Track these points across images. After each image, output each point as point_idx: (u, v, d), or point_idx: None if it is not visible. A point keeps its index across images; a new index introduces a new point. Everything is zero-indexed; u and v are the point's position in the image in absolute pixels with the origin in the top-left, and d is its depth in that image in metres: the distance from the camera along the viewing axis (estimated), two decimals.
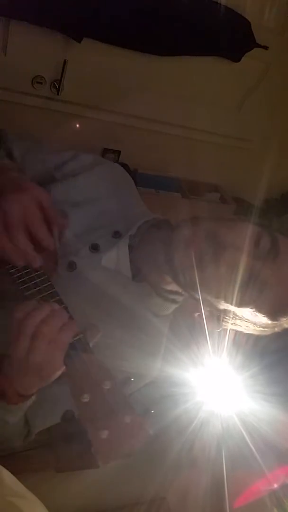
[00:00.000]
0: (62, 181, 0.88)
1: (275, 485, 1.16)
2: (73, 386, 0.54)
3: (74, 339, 0.58)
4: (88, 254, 0.80)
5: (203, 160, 1.68)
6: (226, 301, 0.71)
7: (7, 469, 0.66)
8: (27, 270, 0.68)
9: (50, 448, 1.12)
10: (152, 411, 0.55)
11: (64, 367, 0.58)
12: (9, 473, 0.66)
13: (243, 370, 0.76)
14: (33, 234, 0.69)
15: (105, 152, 1.69)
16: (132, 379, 0.56)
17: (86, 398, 0.52)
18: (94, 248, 0.81)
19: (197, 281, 0.71)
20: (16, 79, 1.38)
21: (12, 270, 0.68)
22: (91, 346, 0.59)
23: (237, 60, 1.51)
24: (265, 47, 1.48)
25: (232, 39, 1.45)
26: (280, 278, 0.70)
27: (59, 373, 0.59)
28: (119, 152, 1.72)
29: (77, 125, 1.53)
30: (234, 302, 0.70)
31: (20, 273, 0.68)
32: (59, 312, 0.59)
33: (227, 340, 0.74)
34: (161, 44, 1.40)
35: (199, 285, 0.71)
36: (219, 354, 0.73)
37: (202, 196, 1.91)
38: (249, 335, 0.79)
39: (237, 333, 0.78)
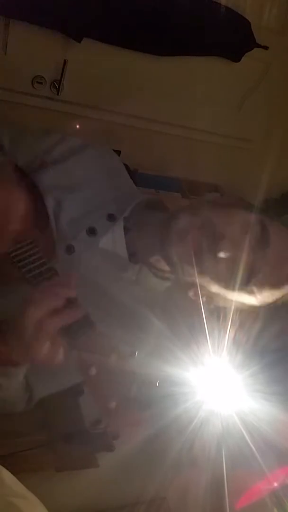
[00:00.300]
0: (52, 166, 0.89)
1: (276, 485, 1.16)
2: (80, 361, 0.56)
3: (79, 317, 0.60)
4: (86, 238, 0.83)
5: (203, 160, 1.68)
6: (220, 287, 0.77)
7: (7, 469, 0.66)
8: (29, 255, 0.69)
9: (50, 448, 1.12)
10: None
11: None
12: (9, 473, 0.66)
13: (243, 369, 0.76)
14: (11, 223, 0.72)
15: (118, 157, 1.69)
16: (136, 353, 0.58)
17: (93, 371, 0.55)
18: (91, 231, 0.83)
19: (195, 272, 0.75)
20: (16, 79, 1.38)
21: (14, 254, 0.70)
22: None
23: (237, 60, 1.51)
24: (265, 47, 1.48)
25: (232, 39, 1.45)
26: (270, 265, 0.74)
27: (43, 355, 0.59)
28: (119, 152, 1.71)
29: (77, 125, 1.53)
30: (227, 287, 0.76)
31: (23, 259, 0.69)
32: (63, 290, 0.60)
33: (227, 339, 0.75)
34: (161, 44, 1.40)
35: (194, 273, 0.76)
36: (219, 353, 0.73)
37: (202, 196, 1.90)
38: (249, 334, 0.80)
39: (237, 331, 0.79)
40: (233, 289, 0.77)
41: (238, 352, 0.79)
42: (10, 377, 0.70)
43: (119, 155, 1.74)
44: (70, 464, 1.15)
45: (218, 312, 0.85)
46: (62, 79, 1.39)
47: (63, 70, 1.38)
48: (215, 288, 0.79)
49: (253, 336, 0.84)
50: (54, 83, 1.41)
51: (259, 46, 1.47)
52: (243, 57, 1.50)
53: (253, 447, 0.87)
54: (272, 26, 1.49)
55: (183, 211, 0.80)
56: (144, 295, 0.85)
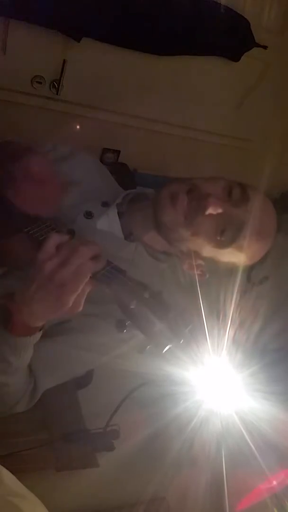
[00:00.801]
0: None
1: (276, 485, 1.16)
2: (120, 300, 0.65)
3: (109, 266, 0.69)
4: (84, 221, 0.91)
5: (203, 160, 1.68)
6: (210, 246, 0.84)
7: (7, 469, 0.66)
8: (47, 231, 0.75)
9: (50, 448, 1.13)
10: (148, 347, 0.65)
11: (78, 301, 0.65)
12: (9, 473, 0.66)
13: (243, 368, 0.76)
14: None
15: (104, 152, 1.69)
16: (162, 291, 0.67)
17: (133, 305, 0.63)
18: (88, 215, 0.92)
19: (185, 235, 0.83)
20: (15, 79, 1.38)
21: (32, 231, 0.75)
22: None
23: (237, 60, 1.51)
24: (265, 47, 1.48)
25: (231, 39, 1.45)
26: (254, 219, 0.82)
27: (69, 306, 0.64)
28: (118, 152, 1.72)
29: (77, 125, 1.53)
30: (219, 245, 0.84)
31: (42, 235, 0.74)
32: (90, 245, 0.66)
33: (227, 338, 0.75)
34: (161, 44, 1.40)
35: (190, 235, 0.83)
36: (219, 352, 0.73)
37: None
38: (249, 334, 0.80)
39: (237, 331, 0.79)
40: (224, 246, 0.84)
41: (238, 351, 0.79)
42: (20, 350, 0.72)
43: (119, 155, 1.75)
44: (70, 464, 1.15)
45: (218, 311, 0.85)
46: (62, 79, 1.40)
47: (62, 70, 1.38)
48: (207, 250, 0.86)
49: (253, 335, 0.85)
50: (53, 83, 1.41)
51: (258, 45, 1.47)
52: (242, 57, 1.50)
53: (253, 447, 0.87)
54: (271, 26, 1.49)
55: (170, 181, 0.88)
56: (139, 276, 0.88)
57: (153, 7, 1.29)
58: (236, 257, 0.86)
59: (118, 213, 0.92)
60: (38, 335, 0.72)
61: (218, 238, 0.83)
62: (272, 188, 2.01)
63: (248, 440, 0.84)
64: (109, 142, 1.67)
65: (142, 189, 1.01)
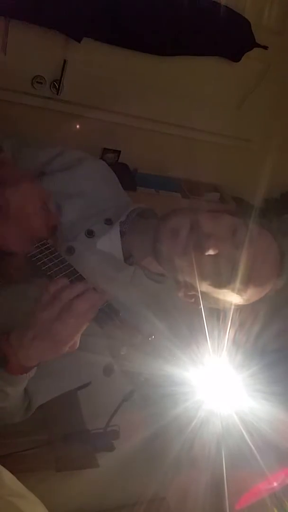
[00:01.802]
0: (52, 175, 0.95)
1: (276, 485, 1.16)
2: (111, 344, 0.64)
3: (104, 304, 0.67)
4: (85, 239, 0.88)
5: (203, 160, 1.69)
6: (206, 283, 0.81)
7: (7, 469, 0.66)
8: (43, 251, 0.75)
9: (50, 448, 1.12)
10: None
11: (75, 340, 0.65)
12: (9, 473, 0.66)
13: (243, 369, 0.77)
14: (31, 223, 0.75)
15: (105, 152, 1.69)
16: (153, 335, 0.65)
17: (124, 351, 0.62)
18: (90, 233, 0.89)
19: (181, 268, 0.81)
20: (16, 79, 1.38)
21: (29, 254, 0.74)
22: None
23: (237, 60, 1.51)
24: (265, 47, 1.48)
25: (232, 39, 1.46)
26: (254, 263, 0.79)
27: (71, 349, 0.65)
28: (119, 152, 1.72)
29: (77, 125, 1.53)
30: (214, 284, 0.81)
31: (43, 260, 0.74)
32: (91, 291, 0.66)
33: (227, 339, 0.75)
34: (161, 44, 1.40)
35: (184, 271, 0.81)
36: (219, 353, 0.73)
37: (202, 196, 1.91)
38: (249, 334, 0.80)
39: (237, 332, 0.79)
40: (220, 287, 0.81)
41: (238, 352, 0.79)
42: (17, 385, 0.73)
43: (119, 155, 1.75)
44: (70, 464, 1.15)
45: (218, 312, 0.85)
46: (62, 79, 1.40)
47: (63, 70, 1.38)
48: (203, 287, 0.83)
49: (253, 336, 0.85)
50: (54, 83, 1.42)
51: (259, 46, 1.47)
52: (243, 57, 1.50)
53: (253, 447, 0.87)
54: (272, 26, 1.49)
55: (173, 212, 0.85)
56: (139, 296, 0.88)
57: (153, 7, 1.29)
58: (231, 297, 0.84)
59: (120, 232, 0.89)
60: (34, 369, 0.72)
61: (215, 278, 0.81)
62: (272, 188, 2.02)
63: (248, 440, 0.84)
64: (109, 142, 1.68)
65: (140, 205, 0.98)
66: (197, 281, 0.82)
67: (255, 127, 1.77)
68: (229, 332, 0.77)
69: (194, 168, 1.78)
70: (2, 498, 0.62)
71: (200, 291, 0.84)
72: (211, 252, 0.78)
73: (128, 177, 1.75)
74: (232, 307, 0.85)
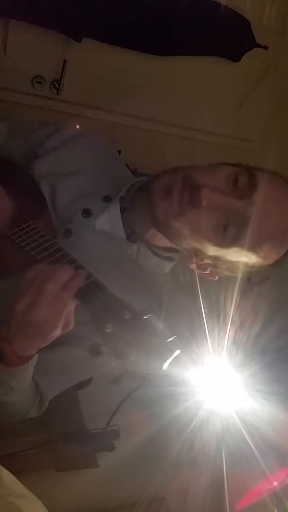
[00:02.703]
0: (47, 154, 0.90)
1: (276, 485, 1.16)
2: (95, 321, 0.58)
3: (87, 281, 0.62)
4: (82, 220, 0.82)
5: (203, 160, 1.68)
6: (212, 243, 0.73)
7: (7, 469, 0.66)
8: (32, 236, 0.71)
9: (50, 448, 1.13)
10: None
11: (66, 321, 0.61)
12: (9, 473, 0.66)
13: (243, 368, 0.76)
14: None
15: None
16: (148, 315, 0.58)
17: (109, 328, 0.56)
18: (86, 213, 0.83)
19: (182, 232, 0.73)
20: (16, 79, 1.38)
21: (17, 239, 0.71)
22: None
23: (237, 60, 1.51)
24: (265, 47, 1.48)
25: (232, 39, 1.45)
26: (263, 213, 0.70)
27: (58, 331, 0.61)
28: (119, 152, 1.72)
29: (77, 125, 1.53)
30: (221, 243, 0.72)
31: (27, 240, 0.71)
32: (63, 270, 0.61)
33: (227, 338, 0.75)
34: (161, 44, 1.40)
35: (185, 235, 0.74)
36: (219, 353, 0.73)
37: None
38: (249, 334, 0.79)
39: (237, 331, 0.79)
40: (227, 245, 0.73)
41: (239, 351, 0.79)
42: (20, 376, 0.70)
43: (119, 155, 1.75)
44: (70, 464, 1.15)
45: (218, 312, 0.85)
46: (62, 79, 1.39)
47: (63, 70, 1.38)
48: (211, 250, 0.75)
49: (253, 335, 0.84)
50: (54, 83, 1.41)
51: (259, 46, 1.47)
52: (243, 57, 1.50)
53: (253, 447, 0.87)
54: (272, 26, 1.49)
55: (165, 171, 0.79)
56: (144, 276, 0.84)
57: (153, 7, 1.29)
58: (246, 257, 0.75)
59: (120, 208, 0.83)
60: (35, 358, 0.69)
61: (220, 235, 0.72)
62: None
63: (248, 440, 0.84)
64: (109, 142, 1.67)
65: (140, 178, 0.92)
66: (202, 243, 0.74)
67: (255, 127, 1.77)
68: (229, 332, 0.77)
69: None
70: (2, 498, 0.62)
71: (211, 257, 0.76)
72: (206, 203, 0.70)
73: None
74: (254, 270, 0.77)
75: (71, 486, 1.13)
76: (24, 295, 0.60)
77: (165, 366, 0.55)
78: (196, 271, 0.80)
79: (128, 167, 1.75)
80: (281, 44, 1.53)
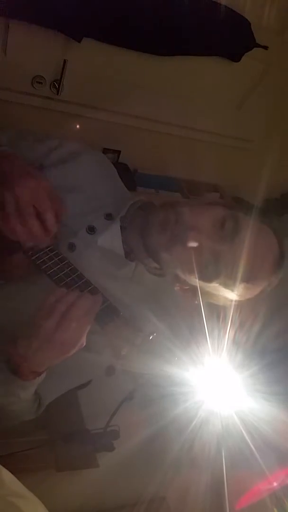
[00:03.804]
0: (51, 168, 0.94)
1: (275, 485, 1.16)
2: (111, 344, 0.65)
3: (104, 305, 0.69)
4: (86, 236, 0.88)
5: (203, 160, 1.68)
6: (193, 277, 0.81)
7: (7, 469, 0.66)
8: (45, 253, 0.75)
9: (50, 448, 1.12)
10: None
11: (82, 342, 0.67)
12: (9, 473, 0.66)
13: (243, 369, 0.77)
14: (41, 217, 0.74)
15: (105, 152, 1.69)
16: (154, 333, 0.66)
17: (125, 351, 0.63)
18: (91, 230, 0.89)
19: (168, 262, 0.81)
20: (16, 79, 1.38)
21: (30, 253, 0.75)
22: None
23: (237, 60, 1.51)
24: (265, 47, 1.48)
25: (232, 39, 1.45)
26: (242, 257, 0.77)
27: (78, 349, 0.67)
28: (119, 152, 1.72)
29: (77, 125, 1.53)
30: (201, 278, 0.80)
31: (41, 257, 0.75)
32: (87, 296, 0.68)
33: (227, 338, 0.75)
34: (161, 44, 1.40)
35: (171, 265, 0.82)
36: (219, 353, 0.73)
37: (202, 196, 1.90)
38: (249, 334, 0.80)
39: (237, 331, 0.79)
40: (207, 280, 0.80)
41: (238, 351, 0.79)
42: (29, 388, 0.75)
43: (119, 155, 1.75)
44: (70, 464, 1.15)
45: (217, 312, 0.85)
46: (62, 79, 1.39)
47: (63, 70, 1.38)
48: (192, 281, 0.83)
49: (253, 336, 0.85)
50: (54, 83, 1.41)
51: (259, 46, 1.47)
52: (243, 57, 1.50)
53: (253, 447, 0.87)
54: (272, 26, 1.48)
55: (162, 206, 0.85)
56: (140, 292, 0.88)
57: (153, 7, 1.29)
58: (223, 292, 0.83)
59: (121, 227, 0.89)
60: (45, 372, 0.75)
61: (201, 271, 0.80)
62: (272, 188, 2.02)
63: (248, 440, 0.84)
64: (109, 142, 1.68)
65: (140, 197, 0.98)
66: (186, 275, 0.82)
67: (255, 127, 1.77)
68: (229, 332, 0.77)
69: (194, 168, 1.78)
70: (2, 498, 0.62)
71: (194, 286, 0.84)
72: (192, 244, 0.77)
73: (128, 177, 1.75)
74: (232, 303, 0.85)
75: (71, 486, 1.13)
76: (50, 318, 0.66)
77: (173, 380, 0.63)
78: (180, 294, 0.88)
79: (128, 167, 1.76)
80: (281, 44, 1.53)
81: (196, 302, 0.86)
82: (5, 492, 0.63)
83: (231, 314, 0.83)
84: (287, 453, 1.09)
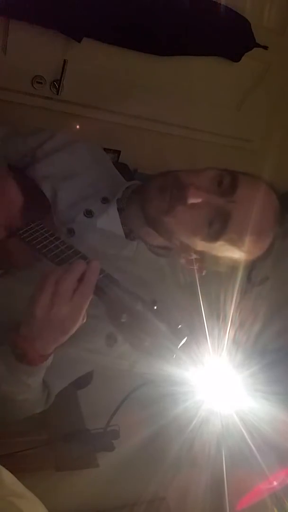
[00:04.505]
0: (45, 158, 0.95)
1: (276, 485, 1.16)
2: (110, 312, 0.63)
3: (101, 275, 0.66)
4: (84, 220, 0.88)
5: (203, 160, 1.68)
6: (198, 238, 0.80)
7: (7, 469, 0.66)
8: (43, 235, 0.75)
9: (50, 448, 1.13)
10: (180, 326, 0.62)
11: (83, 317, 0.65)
12: (9, 473, 0.66)
13: (243, 368, 0.77)
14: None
15: (104, 152, 1.69)
16: (155, 306, 0.63)
17: (124, 318, 0.61)
18: (88, 213, 0.89)
19: (171, 227, 0.81)
20: (16, 79, 1.38)
21: (28, 237, 0.74)
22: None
23: (237, 60, 1.51)
24: (265, 47, 1.48)
25: (232, 39, 1.45)
26: (243, 210, 0.78)
27: (79, 324, 0.66)
28: (119, 152, 1.72)
29: (77, 125, 1.53)
30: (207, 237, 0.79)
31: (38, 238, 0.74)
32: (74, 266, 0.66)
33: (227, 338, 0.75)
34: (161, 44, 1.40)
35: (175, 230, 0.81)
36: (219, 353, 0.73)
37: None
38: (249, 334, 0.80)
39: (237, 331, 0.79)
40: (212, 239, 0.79)
41: (238, 351, 0.79)
42: (37, 373, 0.74)
43: (119, 155, 1.75)
44: (70, 464, 1.15)
45: (218, 312, 0.85)
46: (62, 79, 1.39)
47: (63, 70, 1.38)
48: (198, 244, 0.82)
49: (253, 335, 0.85)
50: (54, 83, 1.41)
51: (259, 46, 1.47)
52: (243, 57, 1.50)
53: (253, 447, 0.87)
54: (272, 26, 1.48)
55: (158, 174, 0.87)
56: (142, 273, 0.88)
57: (153, 7, 1.29)
58: (231, 251, 0.82)
59: (118, 209, 0.90)
60: (52, 356, 0.73)
61: (206, 230, 0.79)
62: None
63: (248, 440, 0.84)
64: (109, 142, 1.67)
65: (134, 182, 0.99)
66: (190, 238, 0.81)
67: (255, 127, 1.77)
68: (229, 332, 0.77)
69: (194, 168, 1.78)
70: (2, 498, 0.62)
71: (199, 252, 0.83)
72: (192, 200, 0.77)
73: (128, 177, 1.75)
74: (241, 265, 0.84)
75: (71, 486, 1.13)
76: (42, 296, 0.64)
77: (177, 351, 0.60)
78: (186, 267, 0.87)
79: (128, 167, 1.76)
80: (281, 44, 1.53)
81: (204, 272, 0.85)
82: (5, 492, 0.63)
83: (231, 314, 0.83)
84: (287, 453, 1.09)
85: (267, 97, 1.68)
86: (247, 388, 0.76)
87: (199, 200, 0.78)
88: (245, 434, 0.81)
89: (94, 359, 0.83)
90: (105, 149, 1.68)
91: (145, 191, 0.84)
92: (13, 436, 1.08)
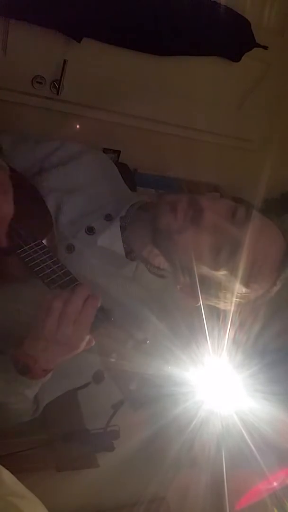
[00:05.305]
0: (52, 169, 0.95)
1: (275, 485, 1.16)
2: (101, 349, 0.65)
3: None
4: (85, 236, 0.87)
5: (203, 160, 1.68)
6: (203, 263, 0.79)
7: (7, 469, 0.66)
8: (42, 256, 0.75)
9: (50, 448, 1.12)
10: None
11: (89, 337, 0.68)
12: (9, 473, 0.66)
13: (243, 368, 0.77)
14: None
15: (105, 152, 1.68)
16: (148, 341, 0.65)
17: (114, 357, 0.63)
18: (90, 230, 0.88)
19: (179, 247, 0.80)
20: (15, 79, 1.38)
21: (23, 255, 0.75)
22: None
23: (237, 60, 1.51)
24: (265, 47, 1.48)
25: (232, 39, 1.45)
26: (250, 242, 0.77)
27: (85, 343, 0.68)
28: (119, 152, 1.72)
29: (77, 125, 1.53)
30: (209, 264, 0.79)
31: (36, 260, 0.74)
32: (79, 290, 0.69)
33: (227, 338, 0.75)
34: (161, 44, 1.40)
35: (181, 250, 0.80)
36: (219, 353, 0.73)
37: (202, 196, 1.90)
38: (249, 334, 0.80)
39: (237, 331, 0.79)
40: (217, 267, 0.79)
41: (238, 351, 0.79)
42: (36, 386, 0.75)
43: (119, 155, 1.75)
44: (70, 464, 1.15)
45: (218, 312, 0.85)
46: (62, 79, 1.39)
47: (63, 70, 1.38)
48: (200, 268, 0.81)
49: (253, 336, 0.85)
50: (54, 83, 1.41)
51: (259, 46, 1.47)
52: (243, 57, 1.50)
53: (253, 447, 0.87)
54: (272, 26, 1.48)
55: (172, 192, 0.87)
56: (140, 292, 0.88)
57: (153, 7, 1.29)
58: (231, 283, 0.81)
59: (121, 227, 0.88)
60: (52, 371, 0.75)
61: (213, 256, 0.79)
62: (272, 188, 2.02)
63: (248, 440, 0.84)
64: (109, 142, 1.67)
65: (140, 198, 0.98)
66: (194, 262, 0.80)
67: (255, 127, 1.77)
68: (229, 332, 0.77)
69: (194, 168, 1.77)
70: (2, 498, 0.62)
71: (198, 279, 0.82)
72: (208, 223, 0.77)
73: (127, 177, 1.75)
74: (232, 302, 0.84)
75: (71, 486, 1.13)
76: (49, 318, 0.66)
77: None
78: (182, 294, 0.87)
79: (128, 167, 1.76)
80: (281, 44, 1.53)
81: (197, 304, 0.85)
82: (5, 492, 0.63)
83: (231, 314, 0.83)
84: (287, 453, 1.09)
85: (267, 97, 1.68)
86: (247, 388, 0.76)
87: (214, 224, 0.78)
88: (245, 434, 0.81)
89: (77, 374, 0.85)
90: (105, 149, 1.69)
91: (157, 206, 0.83)
92: (13, 436, 1.08)
